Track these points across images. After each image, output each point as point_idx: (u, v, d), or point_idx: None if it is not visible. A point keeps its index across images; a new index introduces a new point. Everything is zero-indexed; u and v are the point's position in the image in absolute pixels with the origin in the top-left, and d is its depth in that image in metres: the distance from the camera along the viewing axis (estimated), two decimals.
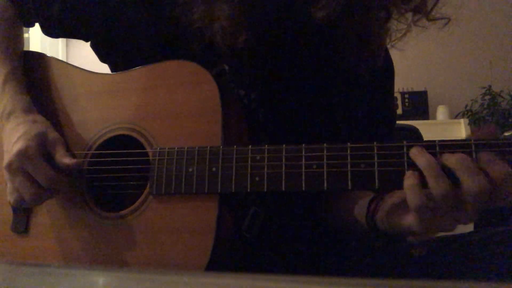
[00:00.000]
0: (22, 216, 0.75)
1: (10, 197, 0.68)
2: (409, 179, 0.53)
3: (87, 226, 0.70)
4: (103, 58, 0.82)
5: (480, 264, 0.63)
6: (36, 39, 2.86)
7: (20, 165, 0.66)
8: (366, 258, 0.73)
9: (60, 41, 3.32)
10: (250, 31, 0.66)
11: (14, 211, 0.76)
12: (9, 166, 0.66)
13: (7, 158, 0.67)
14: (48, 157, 0.69)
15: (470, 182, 0.50)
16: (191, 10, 0.68)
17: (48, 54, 0.83)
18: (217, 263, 0.60)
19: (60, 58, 0.85)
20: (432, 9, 0.65)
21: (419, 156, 0.53)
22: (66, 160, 0.68)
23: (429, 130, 1.60)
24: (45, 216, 0.74)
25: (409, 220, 0.54)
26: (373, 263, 0.72)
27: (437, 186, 0.51)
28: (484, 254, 0.64)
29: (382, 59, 0.69)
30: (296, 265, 0.73)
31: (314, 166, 0.58)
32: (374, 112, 0.77)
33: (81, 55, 1.70)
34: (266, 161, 0.60)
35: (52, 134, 0.70)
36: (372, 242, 0.75)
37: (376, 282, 0.26)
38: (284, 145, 0.60)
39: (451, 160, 0.52)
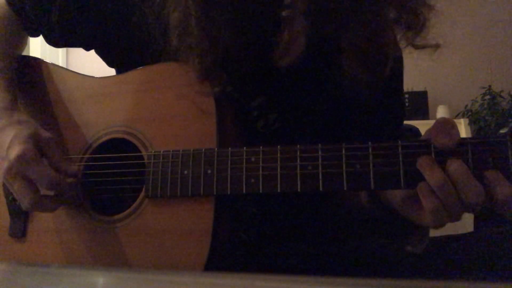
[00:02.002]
0: (20, 221, 0.74)
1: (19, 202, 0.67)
2: (423, 185, 0.53)
3: (84, 230, 0.69)
4: (109, 64, 0.82)
5: (480, 264, 0.63)
6: (36, 46, 2.85)
7: (20, 171, 0.63)
8: (366, 258, 0.73)
9: (60, 49, 3.32)
10: (224, 74, 0.65)
11: (12, 215, 0.75)
12: (8, 172, 0.64)
13: (4, 164, 0.64)
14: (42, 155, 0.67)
15: (467, 196, 0.52)
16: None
17: (48, 61, 0.83)
18: (215, 266, 0.60)
19: (59, 64, 0.84)
20: (423, 25, 0.63)
21: (429, 172, 0.53)
22: (65, 165, 0.67)
23: None
24: (43, 221, 0.73)
25: (425, 219, 0.56)
26: (373, 263, 0.72)
27: (447, 202, 0.52)
28: (484, 254, 0.64)
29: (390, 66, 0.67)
30: (296, 265, 0.73)
31: (309, 167, 0.57)
32: (380, 114, 0.75)
33: (81, 62, 1.70)
34: (261, 162, 0.59)
35: (44, 133, 0.68)
36: (374, 240, 0.75)
37: (376, 282, 0.26)
38: (278, 146, 0.59)
39: (450, 170, 0.53)
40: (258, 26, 0.66)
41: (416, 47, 0.65)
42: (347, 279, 0.26)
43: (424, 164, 0.53)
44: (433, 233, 0.66)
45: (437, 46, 0.65)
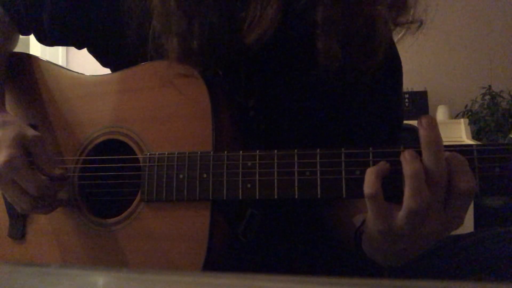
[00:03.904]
0: (19, 222, 0.74)
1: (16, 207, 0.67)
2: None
3: (81, 233, 0.69)
4: (103, 63, 0.82)
5: (480, 264, 0.63)
6: (36, 43, 2.84)
7: (10, 177, 0.63)
8: (366, 258, 0.73)
9: (60, 48, 3.30)
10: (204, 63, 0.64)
11: (10, 216, 0.75)
12: None
13: None
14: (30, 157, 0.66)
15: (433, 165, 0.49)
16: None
17: (47, 59, 0.82)
18: (212, 269, 0.59)
19: (60, 63, 0.84)
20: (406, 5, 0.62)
21: (406, 162, 0.50)
22: (52, 168, 0.66)
23: None
24: (42, 222, 0.73)
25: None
26: (372, 263, 0.72)
27: (411, 200, 0.49)
28: (484, 254, 0.64)
29: (382, 56, 0.65)
30: (295, 267, 0.72)
31: (307, 173, 0.55)
32: (377, 118, 0.74)
33: (81, 61, 1.70)
34: (257, 167, 0.58)
35: (30, 133, 0.67)
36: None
37: (376, 282, 0.26)
38: (276, 151, 0.57)
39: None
40: (230, 3, 0.65)
41: (399, 24, 0.64)
42: (347, 279, 0.26)
43: (408, 156, 0.50)
44: None
45: (420, 23, 0.64)
